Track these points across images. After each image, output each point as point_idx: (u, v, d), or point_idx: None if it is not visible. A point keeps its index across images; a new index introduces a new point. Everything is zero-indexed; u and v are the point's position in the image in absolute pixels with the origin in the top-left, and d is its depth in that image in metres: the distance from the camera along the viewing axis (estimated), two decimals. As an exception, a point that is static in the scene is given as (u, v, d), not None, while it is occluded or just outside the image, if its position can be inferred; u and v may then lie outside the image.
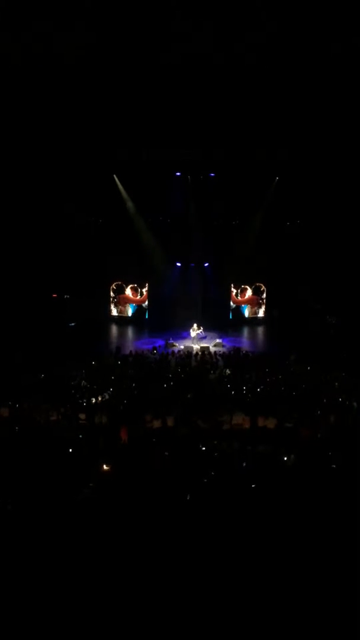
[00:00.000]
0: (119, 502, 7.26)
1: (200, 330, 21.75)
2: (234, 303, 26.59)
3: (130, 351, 19.01)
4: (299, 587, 5.72)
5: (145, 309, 26.40)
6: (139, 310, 26.42)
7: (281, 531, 6.58)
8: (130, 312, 26.57)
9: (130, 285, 26.29)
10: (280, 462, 9.12)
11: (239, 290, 26.64)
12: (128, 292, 26.40)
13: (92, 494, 7.60)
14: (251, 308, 27.02)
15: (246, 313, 27.00)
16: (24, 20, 11.94)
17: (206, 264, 25.98)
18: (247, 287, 26.66)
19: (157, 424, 11.67)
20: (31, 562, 5.93)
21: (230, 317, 26.71)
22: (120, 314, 26.60)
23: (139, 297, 26.34)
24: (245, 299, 26.85)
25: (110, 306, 26.61)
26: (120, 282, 26.31)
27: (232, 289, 26.49)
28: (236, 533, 6.58)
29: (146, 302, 26.31)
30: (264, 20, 12.16)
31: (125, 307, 26.55)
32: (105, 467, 8.63)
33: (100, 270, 24.70)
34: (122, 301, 26.50)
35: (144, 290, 26.20)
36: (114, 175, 23.54)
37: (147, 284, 26.11)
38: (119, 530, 6.56)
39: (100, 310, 25.90)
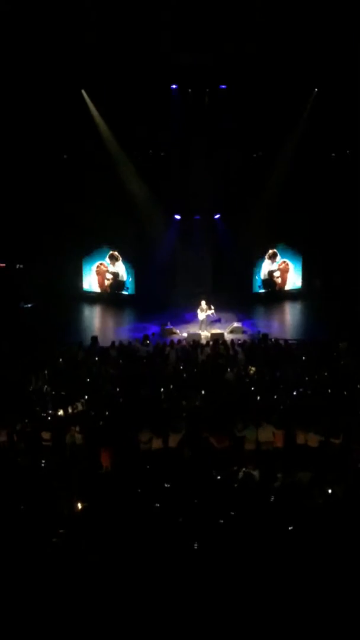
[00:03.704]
0: (100, 556, 7.28)
1: (211, 311, 21.72)
2: (259, 272, 26.59)
3: (112, 342, 19.04)
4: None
5: (130, 282, 26.47)
6: (122, 284, 26.49)
7: (329, 600, 6.63)
8: (110, 285, 26.62)
9: (110, 253, 26.34)
10: (326, 495, 9.12)
11: (264, 253, 26.60)
12: (107, 261, 26.45)
13: (62, 544, 7.63)
14: (283, 278, 26.96)
15: (276, 284, 26.96)
16: None
17: (217, 216, 25.85)
18: (276, 249, 26.59)
19: (153, 444, 11.75)
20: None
21: (254, 290, 26.69)
22: (99, 289, 26.65)
23: (120, 265, 26.41)
24: (274, 266, 26.83)
25: (81, 279, 26.67)
26: (95, 244, 26.32)
27: (255, 251, 26.43)
28: (264, 601, 6.61)
29: (131, 274, 26.34)
30: None
31: (103, 279, 26.56)
32: (79, 505, 8.67)
33: (66, 229, 24.63)
34: (99, 272, 26.53)
35: (127, 255, 26.27)
36: (82, 91, 23.23)
37: (132, 247, 26.08)
38: (101, 597, 6.60)
39: (68, 285, 25.93)
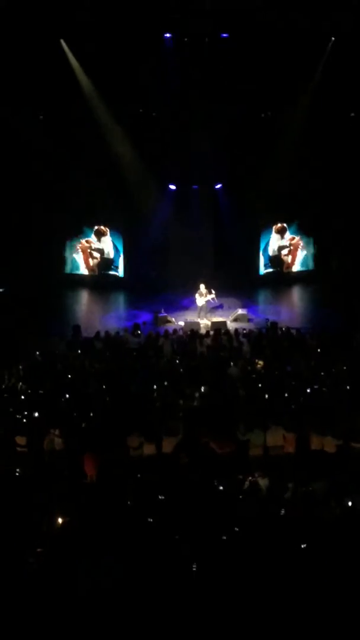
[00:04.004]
0: (83, 579, 7.26)
1: (212, 296, 21.68)
2: (266, 250, 26.57)
3: (97, 332, 19.01)
4: None
5: (118, 263, 26.41)
6: (110, 262, 26.46)
7: (346, 629, 6.63)
8: (97, 268, 26.58)
9: (96, 228, 26.29)
10: (344, 507, 9.11)
11: (273, 229, 26.55)
12: (92, 237, 26.40)
13: (39, 565, 7.61)
14: (293, 256, 26.95)
15: (284, 263, 26.93)
16: None
17: (218, 186, 25.78)
18: (285, 224, 26.55)
19: (145, 449, 11.72)
20: None
21: (261, 272, 26.68)
22: (87, 271, 26.65)
23: (108, 241, 26.33)
24: (284, 242, 26.79)
25: (63, 258, 26.67)
26: (78, 220, 26.26)
27: (262, 227, 26.41)
28: (273, 632, 6.61)
29: (120, 251, 26.26)
30: None
31: (88, 258, 26.54)
32: (60, 520, 8.65)
33: (44, 202, 24.53)
34: (83, 250, 26.48)
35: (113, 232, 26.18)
36: (61, 41, 23.04)
37: (121, 222, 26.05)
38: (84, 628, 6.60)
39: (46, 266, 25.86)
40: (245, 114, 24.04)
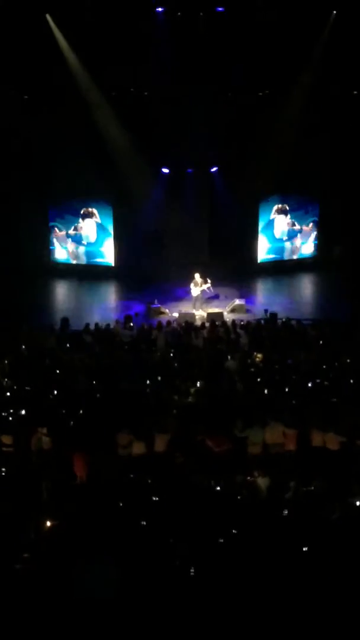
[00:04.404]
0: (73, 586, 7.26)
1: (208, 285, 21.67)
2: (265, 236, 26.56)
3: (87, 325, 18.96)
4: None
5: (106, 250, 26.36)
6: (97, 251, 26.43)
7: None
8: (81, 257, 26.54)
9: (83, 210, 26.23)
10: (348, 508, 9.13)
11: (274, 209, 26.54)
12: (84, 224, 26.35)
13: (26, 573, 7.60)
14: (295, 243, 26.92)
15: (286, 252, 26.93)
16: None
17: (214, 169, 25.73)
18: (286, 205, 26.53)
19: (137, 448, 11.71)
20: None
21: (260, 259, 26.66)
22: (71, 259, 26.63)
23: (90, 225, 26.35)
24: (297, 227, 26.83)
25: (49, 246, 26.64)
26: (65, 205, 26.22)
27: (261, 212, 26.36)
28: (273, 634, 6.62)
29: (105, 236, 26.27)
30: None
31: (75, 248, 26.54)
32: (48, 524, 8.65)
33: (29, 186, 24.49)
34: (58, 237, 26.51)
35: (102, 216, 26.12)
36: (47, 16, 22.90)
37: (111, 208, 26.02)
38: (75, 635, 6.59)
39: (31, 254, 25.87)
40: (243, 92, 24.00)
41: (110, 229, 26.21)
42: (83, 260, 26.70)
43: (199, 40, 22.74)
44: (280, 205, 26.51)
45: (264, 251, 26.70)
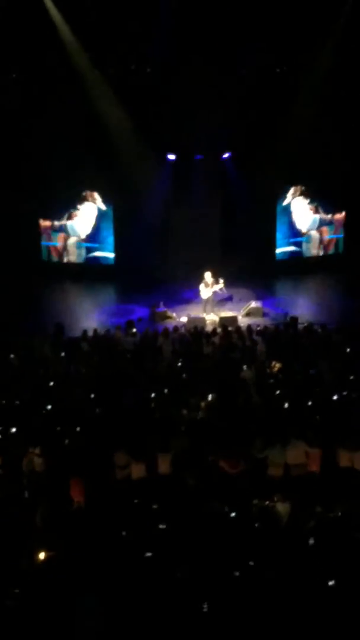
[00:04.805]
0: (71, 625, 7.29)
1: (220, 286, 21.68)
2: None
3: (84, 331, 19.00)
4: None
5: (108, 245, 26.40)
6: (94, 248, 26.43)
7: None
8: (76, 254, 26.59)
9: (85, 193, 26.21)
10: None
11: (289, 196, 26.48)
12: (82, 210, 26.38)
13: (17, 610, 7.63)
14: (320, 240, 26.92)
15: (311, 248, 26.90)
16: None
17: (226, 156, 25.77)
18: (305, 193, 26.51)
19: (137, 471, 11.71)
20: None
21: (278, 256, 26.63)
22: (64, 259, 26.64)
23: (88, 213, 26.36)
24: (327, 217, 26.85)
25: (39, 244, 26.77)
26: (58, 199, 26.27)
27: (279, 203, 26.41)
28: None
29: (107, 228, 26.28)
30: None
31: (68, 245, 26.61)
32: (42, 555, 8.64)
33: (19, 175, 24.58)
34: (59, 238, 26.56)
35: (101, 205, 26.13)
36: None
37: (111, 199, 26.13)
38: None
39: (21, 251, 25.93)
40: (257, 69, 23.99)
41: (111, 224, 26.40)
42: (79, 257, 26.80)
43: (208, 8, 22.61)
44: (300, 187, 26.47)
45: (288, 242, 26.84)
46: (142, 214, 25.16)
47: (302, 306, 22.75)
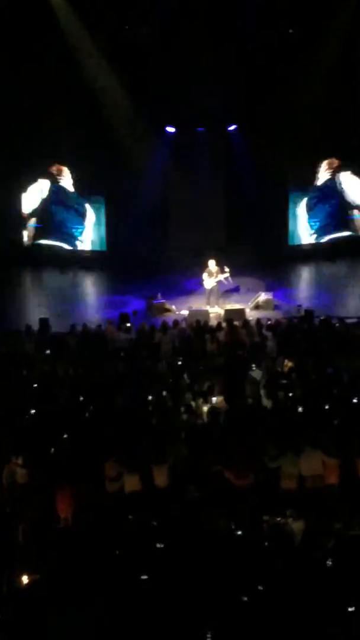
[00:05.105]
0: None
1: (225, 275, 21.66)
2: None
3: (72, 326, 19.02)
4: None
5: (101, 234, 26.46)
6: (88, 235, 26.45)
7: None
8: (63, 241, 26.66)
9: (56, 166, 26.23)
10: None
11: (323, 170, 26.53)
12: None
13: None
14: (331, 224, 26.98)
15: (324, 234, 26.97)
16: None
17: (232, 127, 25.82)
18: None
19: (130, 483, 11.68)
20: None
21: (291, 242, 26.73)
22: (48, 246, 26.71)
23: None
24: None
25: (21, 230, 26.84)
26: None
27: (291, 181, 26.52)
28: None
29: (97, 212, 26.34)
30: None
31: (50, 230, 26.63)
32: (25, 579, 8.64)
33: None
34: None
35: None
36: None
37: (103, 177, 26.16)
38: None
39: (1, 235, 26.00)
40: (266, 30, 23.90)
41: (102, 206, 26.36)
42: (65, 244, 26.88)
43: None
44: (335, 160, 26.48)
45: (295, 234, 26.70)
46: (137, 194, 25.19)
47: (318, 297, 22.75)
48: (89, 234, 26.86)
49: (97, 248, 26.85)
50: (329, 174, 26.63)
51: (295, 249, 26.79)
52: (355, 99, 24.05)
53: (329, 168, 26.56)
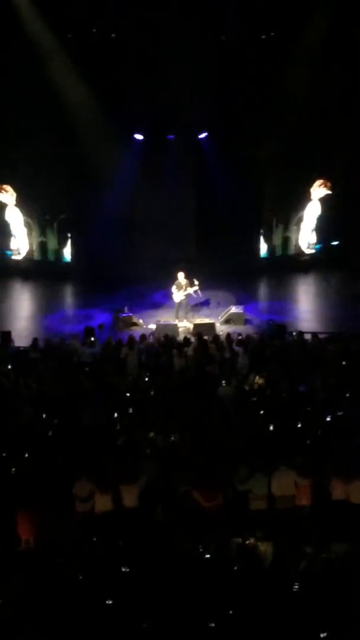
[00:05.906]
0: None
1: (195, 288, 21.69)
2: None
3: (35, 340, 18.96)
4: None
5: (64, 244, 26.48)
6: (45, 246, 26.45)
7: None
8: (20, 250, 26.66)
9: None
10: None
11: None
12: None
13: None
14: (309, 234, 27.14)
15: (303, 242, 27.14)
16: None
17: (203, 135, 25.89)
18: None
19: (102, 503, 11.67)
20: None
21: (264, 254, 26.84)
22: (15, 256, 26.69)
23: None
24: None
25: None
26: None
27: (266, 189, 26.56)
28: None
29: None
30: None
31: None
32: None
33: None
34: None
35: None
36: None
37: (67, 186, 26.01)
38: None
39: None
40: (240, 35, 24.04)
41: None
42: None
43: None
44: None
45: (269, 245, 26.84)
46: (103, 202, 25.13)
47: (290, 311, 22.83)
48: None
49: (52, 259, 26.85)
50: (304, 185, 26.77)
51: (267, 261, 26.82)
52: (331, 107, 24.18)
53: (305, 180, 26.69)
